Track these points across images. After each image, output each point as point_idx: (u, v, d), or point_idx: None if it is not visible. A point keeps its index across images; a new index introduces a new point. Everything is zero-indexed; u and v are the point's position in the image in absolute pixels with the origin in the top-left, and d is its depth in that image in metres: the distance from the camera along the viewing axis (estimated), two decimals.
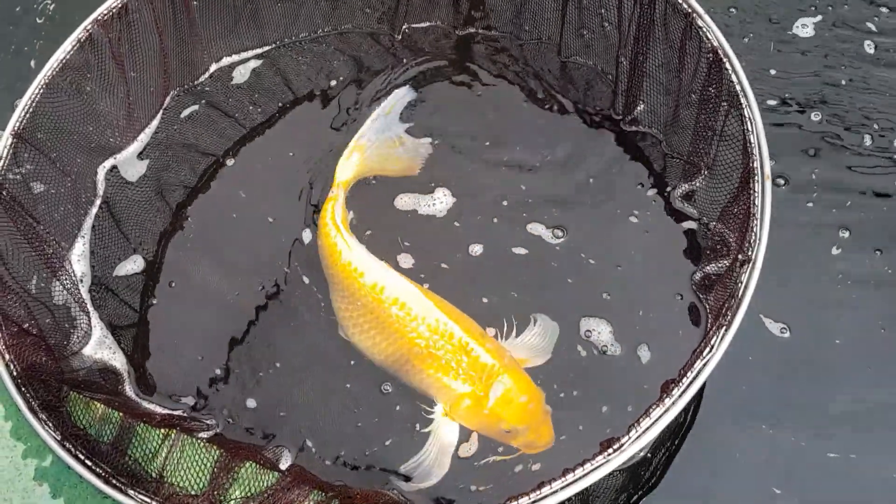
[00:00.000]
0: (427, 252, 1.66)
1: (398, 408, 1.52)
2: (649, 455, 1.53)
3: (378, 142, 1.64)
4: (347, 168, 1.61)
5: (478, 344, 1.43)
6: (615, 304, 1.61)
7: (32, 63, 2.01)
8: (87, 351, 1.56)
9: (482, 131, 1.80)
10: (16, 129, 1.53)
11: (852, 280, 1.68)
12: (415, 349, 1.43)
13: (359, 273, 1.49)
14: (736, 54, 1.52)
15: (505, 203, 1.72)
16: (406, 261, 1.65)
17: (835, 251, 1.70)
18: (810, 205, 1.75)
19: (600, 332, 1.58)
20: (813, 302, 1.66)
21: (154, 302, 1.66)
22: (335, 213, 1.56)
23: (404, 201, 1.71)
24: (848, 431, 1.55)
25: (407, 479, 1.45)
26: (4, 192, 1.48)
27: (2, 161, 1.50)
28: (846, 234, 1.71)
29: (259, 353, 1.59)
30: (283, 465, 1.45)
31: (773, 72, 1.90)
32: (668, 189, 1.72)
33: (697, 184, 1.66)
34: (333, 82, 1.89)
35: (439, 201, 1.70)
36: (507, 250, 1.66)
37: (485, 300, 1.61)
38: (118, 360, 1.57)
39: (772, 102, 1.87)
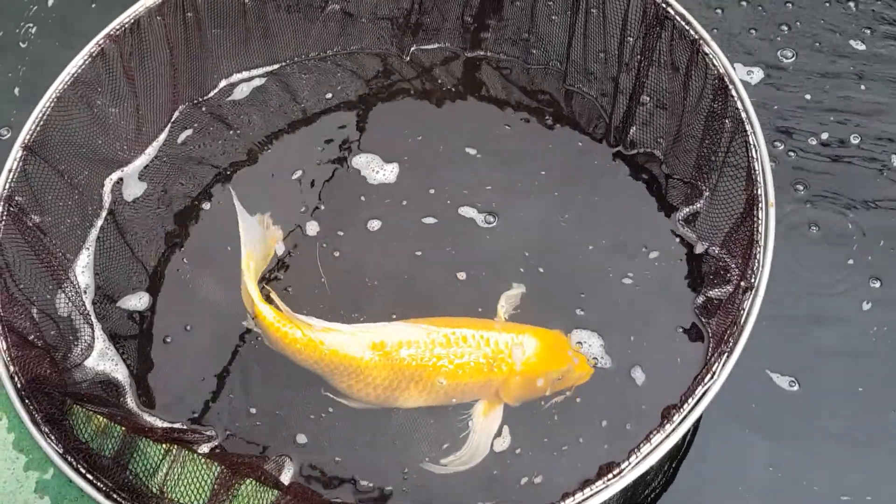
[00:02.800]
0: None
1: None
2: (648, 478, 1.53)
3: (254, 245, 1.60)
4: (256, 277, 1.56)
5: (488, 330, 1.48)
6: (612, 321, 1.61)
7: (17, 90, 2.00)
8: (90, 363, 1.56)
9: (479, 146, 1.82)
10: (26, 141, 1.54)
11: (884, 325, 1.67)
12: (442, 370, 1.46)
13: (353, 345, 1.48)
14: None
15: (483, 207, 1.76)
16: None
17: (865, 305, 1.69)
18: (851, 259, 1.75)
19: (591, 344, 1.58)
20: (831, 352, 1.64)
21: (156, 314, 1.66)
22: (281, 320, 1.51)
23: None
24: (864, 474, 1.53)
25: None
26: (13, 204, 1.49)
27: (12, 173, 1.51)
28: (877, 284, 1.70)
29: (261, 364, 1.59)
30: (284, 480, 1.45)
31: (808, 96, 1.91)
32: (670, 213, 1.73)
33: (699, 206, 1.67)
34: (340, 100, 1.91)
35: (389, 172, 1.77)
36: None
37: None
38: (120, 373, 1.57)
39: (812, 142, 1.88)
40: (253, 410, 1.55)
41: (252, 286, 1.54)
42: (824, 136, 1.89)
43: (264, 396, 1.57)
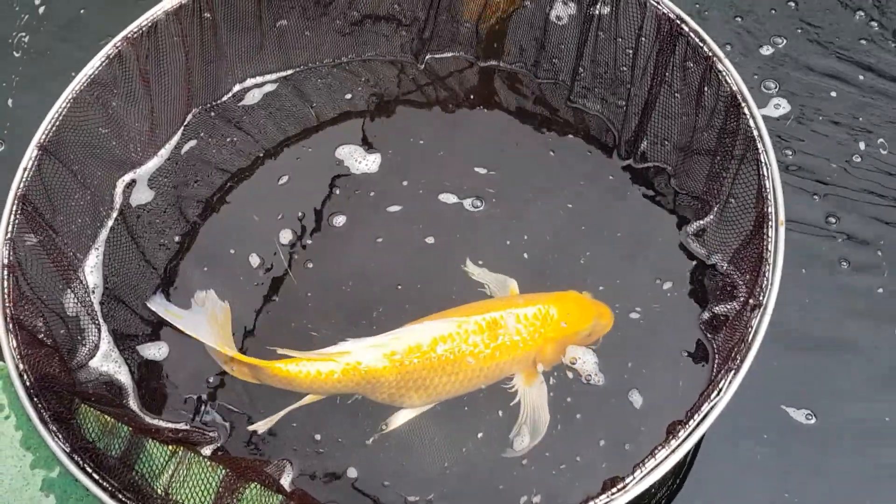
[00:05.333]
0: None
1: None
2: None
3: (205, 332, 1.56)
4: (226, 346, 1.53)
5: (515, 307, 1.52)
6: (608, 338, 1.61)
7: (10, 101, 2.00)
8: (94, 363, 1.56)
9: (485, 158, 1.83)
10: (41, 141, 1.55)
11: None
12: (480, 356, 1.49)
13: (390, 356, 1.48)
14: None
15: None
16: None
17: None
18: (881, 288, 1.74)
19: (585, 361, 1.58)
20: (856, 383, 1.63)
21: (162, 315, 1.66)
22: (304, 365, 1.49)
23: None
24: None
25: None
26: (27, 203, 1.50)
27: (27, 172, 1.52)
28: None
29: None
30: (286, 482, 1.45)
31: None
32: (678, 228, 1.73)
33: (708, 221, 1.67)
34: (352, 107, 1.92)
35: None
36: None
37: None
38: (123, 374, 1.57)
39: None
40: (256, 418, 1.55)
41: (237, 356, 1.51)
42: (856, 158, 1.89)
43: (268, 400, 1.56)
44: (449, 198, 1.77)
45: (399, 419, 1.52)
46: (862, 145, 1.89)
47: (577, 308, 1.57)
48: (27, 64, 2.05)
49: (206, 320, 1.57)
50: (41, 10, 2.11)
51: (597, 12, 1.74)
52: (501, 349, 1.50)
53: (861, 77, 1.98)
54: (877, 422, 1.60)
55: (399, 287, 1.67)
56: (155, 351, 1.62)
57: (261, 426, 1.51)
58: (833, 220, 1.80)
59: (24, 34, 2.08)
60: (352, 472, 1.50)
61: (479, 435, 1.53)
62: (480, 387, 1.54)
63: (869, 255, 1.76)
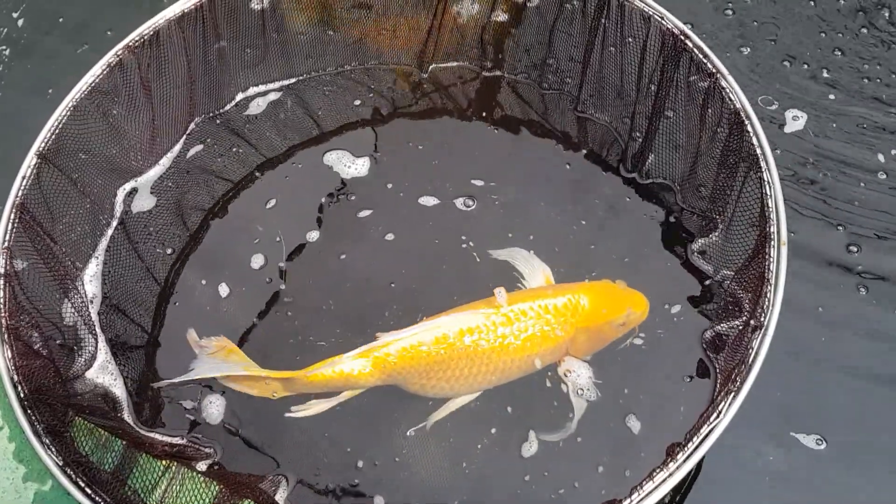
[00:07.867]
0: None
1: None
2: None
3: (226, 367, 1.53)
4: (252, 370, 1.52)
5: (544, 298, 1.51)
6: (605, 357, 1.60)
7: None
8: (90, 374, 1.55)
9: (488, 170, 1.82)
10: (41, 149, 1.54)
11: None
12: (510, 347, 1.48)
13: (417, 344, 1.48)
14: None
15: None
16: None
17: None
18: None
19: (579, 374, 1.57)
20: (870, 408, 1.62)
21: (163, 327, 1.66)
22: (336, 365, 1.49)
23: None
24: None
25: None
26: (26, 212, 1.50)
27: (26, 180, 1.51)
28: None
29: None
30: (281, 498, 1.44)
31: None
32: (682, 246, 1.72)
33: (714, 238, 1.66)
34: (356, 116, 1.91)
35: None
36: None
37: None
38: (118, 387, 1.56)
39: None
40: (253, 427, 1.54)
41: (273, 374, 1.51)
42: (881, 175, 1.88)
43: (268, 412, 1.56)
44: (429, 200, 1.77)
45: (441, 413, 1.52)
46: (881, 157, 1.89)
47: (610, 298, 1.55)
48: (7, 76, 2.05)
49: (217, 360, 1.54)
50: (20, 21, 2.12)
51: (602, 24, 1.72)
52: (532, 340, 1.49)
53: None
54: (890, 449, 1.59)
55: (392, 285, 1.66)
56: (214, 411, 1.57)
57: (300, 411, 1.52)
58: (854, 248, 1.79)
59: (3, 47, 2.08)
60: (379, 498, 1.50)
61: (493, 430, 1.53)
62: (516, 377, 1.53)
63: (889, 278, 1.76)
